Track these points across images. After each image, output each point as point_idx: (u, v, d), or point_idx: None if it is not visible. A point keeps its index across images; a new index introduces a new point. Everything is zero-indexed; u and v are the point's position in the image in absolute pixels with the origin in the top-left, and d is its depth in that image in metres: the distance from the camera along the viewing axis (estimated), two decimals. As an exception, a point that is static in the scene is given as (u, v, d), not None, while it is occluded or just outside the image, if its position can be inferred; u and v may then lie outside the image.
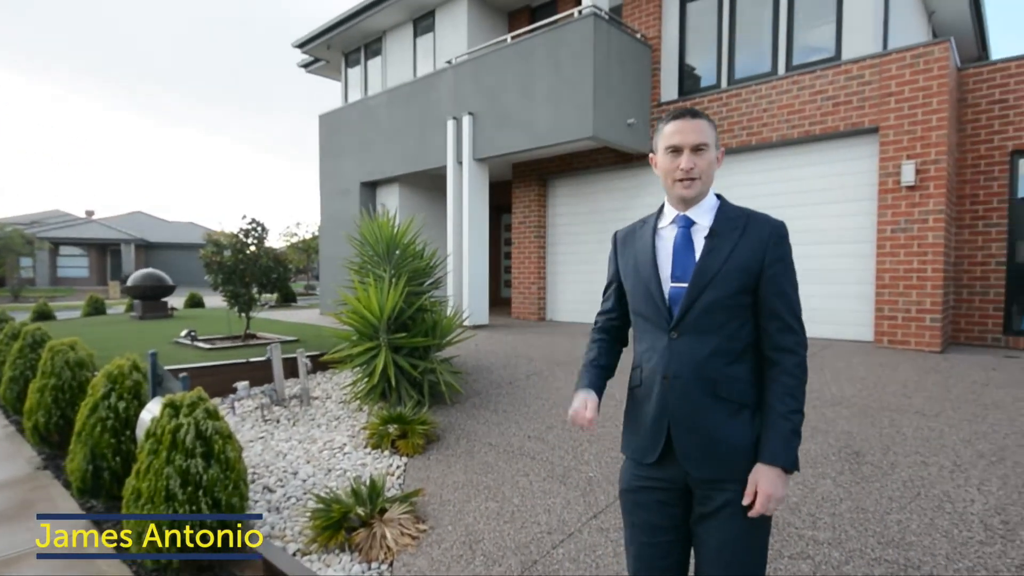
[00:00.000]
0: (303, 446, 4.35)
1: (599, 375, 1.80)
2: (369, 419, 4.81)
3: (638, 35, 8.63)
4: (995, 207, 6.79)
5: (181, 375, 3.43)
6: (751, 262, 1.52)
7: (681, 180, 1.58)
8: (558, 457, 3.90)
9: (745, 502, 1.47)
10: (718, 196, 1.66)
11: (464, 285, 9.12)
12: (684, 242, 1.62)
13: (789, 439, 1.46)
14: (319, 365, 6.45)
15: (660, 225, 1.70)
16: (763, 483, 1.44)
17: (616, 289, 1.84)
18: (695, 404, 1.52)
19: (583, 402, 1.68)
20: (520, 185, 10.46)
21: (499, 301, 13.13)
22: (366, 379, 5.04)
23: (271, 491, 3.58)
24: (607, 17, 7.95)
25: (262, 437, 4.59)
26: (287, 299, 17.95)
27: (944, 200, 6.28)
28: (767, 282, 1.53)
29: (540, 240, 10.29)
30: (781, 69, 7.71)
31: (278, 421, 4.97)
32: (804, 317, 1.58)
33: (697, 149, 1.56)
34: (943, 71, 6.30)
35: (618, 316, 1.87)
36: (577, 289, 9.92)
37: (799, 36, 7.63)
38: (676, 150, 1.58)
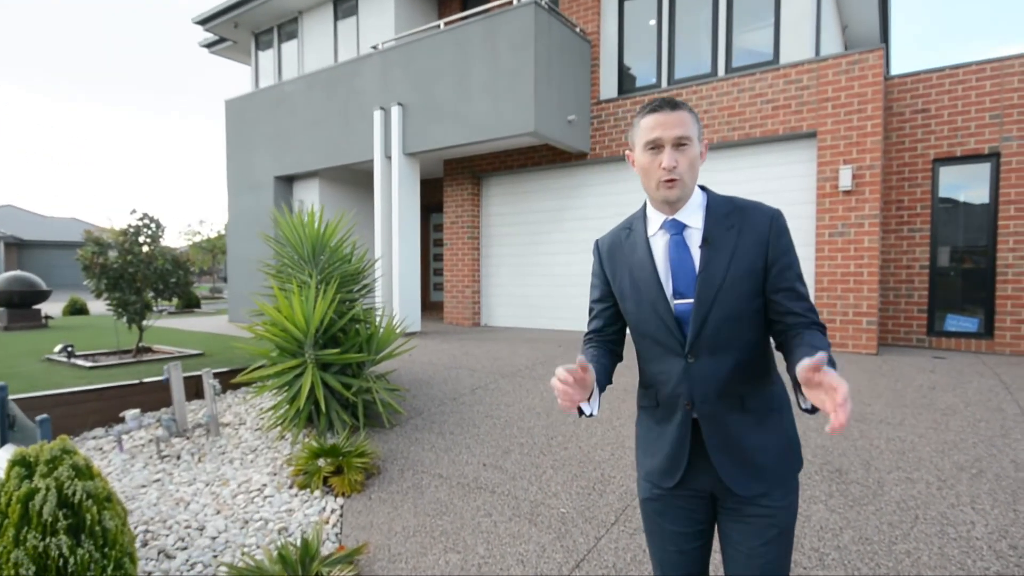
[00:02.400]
0: (211, 490, 3.58)
1: (600, 369, 1.51)
2: (294, 451, 4.11)
3: (577, 29, 8.33)
4: (919, 213, 7.06)
5: (39, 418, 2.61)
6: (755, 262, 1.38)
7: (665, 181, 1.40)
8: (521, 489, 3.42)
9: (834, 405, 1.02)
10: (702, 188, 1.49)
11: (395, 290, 8.44)
12: (679, 252, 1.44)
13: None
14: (230, 384, 5.58)
15: (650, 232, 1.50)
16: (833, 378, 1.02)
17: (610, 307, 1.60)
18: (726, 424, 1.41)
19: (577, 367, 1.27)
20: (452, 183, 9.89)
21: (429, 305, 12.47)
22: (289, 402, 4.32)
23: (169, 557, 2.84)
24: (547, 7, 7.57)
25: (157, 480, 3.76)
26: (190, 305, 16.27)
27: (879, 205, 6.41)
28: (775, 278, 1.39)
29: (474, 241, 9.77)
30: (721, 71, 7.67)
31: (178, 457, 4.13)
32: None
33: (679, 144, 1.39)
34: (877, 78, 6.43)
35: (613, 332, 1.63)
36: (514, 293, 9.50)
37: (738, 38, 7.62)
38: (656, 146, 1.40)
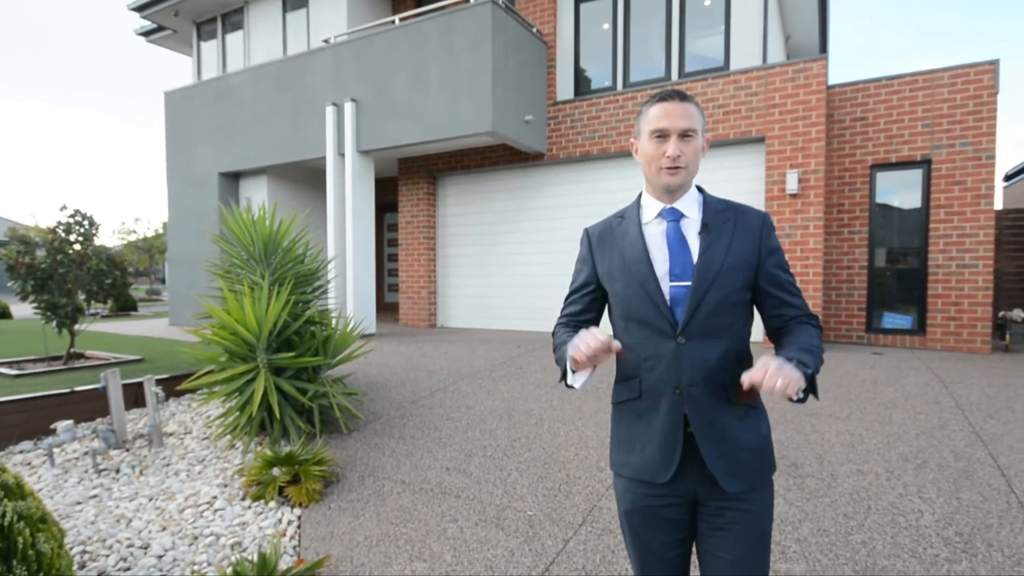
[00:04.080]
0: (156, 505, 3.36)
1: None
2: (246, 460, 3.91)
3: (534, 29, 8.34)
4: (858, 216, 7.42)
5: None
6: (749, 255, 1.44)
7: (668, 168, 1.44)
8: (487, 493, 3.36)
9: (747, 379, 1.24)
10: (699, 188, 1.55)
11: (349, 291, 8.21)
12: (677, 236, 1.48)
13: (805, 351, 1.31)
14: (174, 391, 5.28)
15: (644, 220, 1.54)
16: (789, 368, 1.21)
17: (592, 292, 1.63)
18: (712, 413, 1.41)
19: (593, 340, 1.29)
20: (407, 182, 9.72)
21: (384, 307, 12.22)
22: (240, 409, 4.11)
23: (111, 579, 2.63)
24: (503, 6, 7.54)
25: (95, 496, 3.50)
26: (126, 308, 15.38)
27: (822, 208, 6.70)
28: (766, 274, 1.46)
29: (430, 241, 9.63)
30: (675, 75, 7.84)
31: (118, 471, 3.86)
32: None
33: (685, 135, 1.43)
34: (821, 86, 6.72)
35: (589, 319, 1.65)
36: (471, 294, 9.42)
37: (691, 44, 7.81)
38: (663, 135, 1.44)
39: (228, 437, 4.23)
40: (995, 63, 6.72)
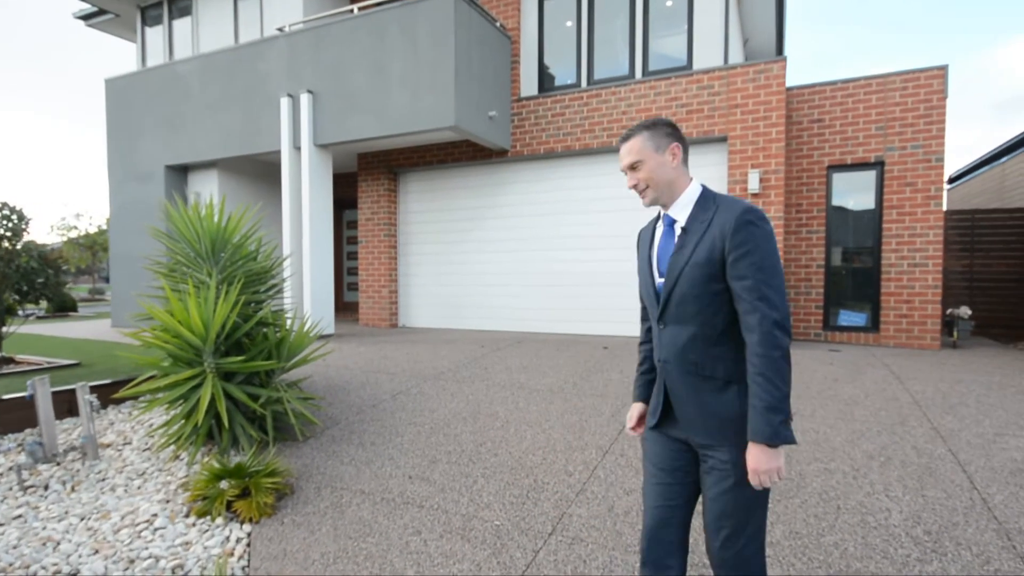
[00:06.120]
0: (88, 525, 3.08)
1: (644, 383, 1.98)
2: (192, 472, 3.64)
3: (498, 24, 8.19)
4: (815, 216, 7.57)
5: None
6: (713, 253, 1.61)
7: (638, 194, 1.79)
8: (452, 503, 3.21)
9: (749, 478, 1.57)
10: (702, 187, 1.76)
11: (306, 290, 7.89)
12: (666, 240, 1.78)
13: (764, 415, 1.50)
14: (112, 399, 4.92)
15: (657, 225, 1.86)
16: (748, 458, 1.55)
17: None
18: (684, 384, 1.71)
19: (631, 417, 1.98)
20: (367, 178, 9.43)
21: (342, 306, 11.88)
22: (186, 417, 3.83)
23: (32, 613, 2.36)
24: (467, -1, 7.37)
25: (19, 516, 3.18)
26: (64, 308, 14.49)
27: (783, 207, 6.79)
28: (730, 268, 1.59)
29: (391, 239, 9.38)
30: (639, 73, 7.82)
31: (46, 488, 3.54)
32: None
33: (632, 167, 1.75)
34: (780, 87, 6.81)
35: None
36: (433, 292, 9.22)
37: (654, 43, 7.81)
38: (626, 172, 1.79)
39: (172, 447, 3.95)
40: (944, 68, 6.95)
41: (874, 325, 7.34)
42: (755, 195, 6.84)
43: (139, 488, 3.54)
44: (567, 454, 3.75)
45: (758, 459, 1.51)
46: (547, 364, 6.01)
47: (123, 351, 4.59)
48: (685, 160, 1.74)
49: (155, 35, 10.52)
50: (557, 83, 8.39)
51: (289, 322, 4.49)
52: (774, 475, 1.50)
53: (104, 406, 4.85)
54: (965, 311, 7.31)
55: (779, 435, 1.48)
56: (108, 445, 4.18)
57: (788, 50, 14.34)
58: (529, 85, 8.46)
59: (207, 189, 9.41)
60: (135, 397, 4.79)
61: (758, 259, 1.56)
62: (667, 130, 1.72)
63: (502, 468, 3.60)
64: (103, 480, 3.64)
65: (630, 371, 5.63)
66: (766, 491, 1.63)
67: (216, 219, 4.22)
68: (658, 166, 1.70)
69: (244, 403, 3.90)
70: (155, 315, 3.64)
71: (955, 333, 7.31)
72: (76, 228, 27.92)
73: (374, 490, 3.39)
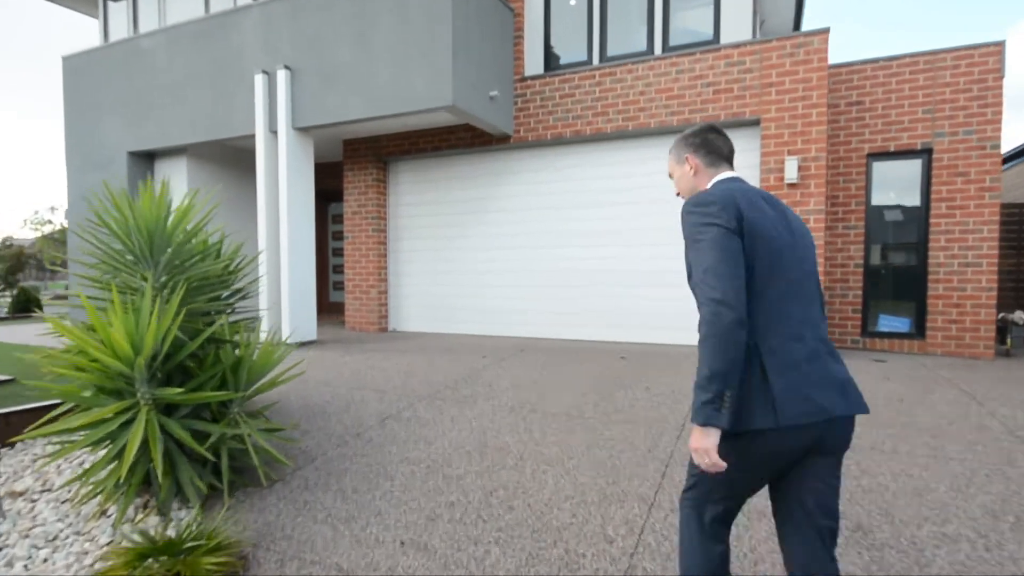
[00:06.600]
0: (-44, 629, 2.23)
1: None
2: (119, 535, 2.80)
3: (499, -6, 7.34)
4: (853, 209, 6.81)
5: None
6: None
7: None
8: (459, 586, 2.39)
9: None
10: (715, 183, 1.77)
11: (283, 292, 7.02)
12: None
13: (694, 393, 1.51)
14: (22, 427, 4.03)
15: None
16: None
17: None
18: None
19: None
20: (354, 167, 8.56)
21: (327, 307, 11.01)
22: (113, 462, 2.99)
23: None
24: (466, -36, 6.51)
25: None
26: (29, 308, 13.48)
27: (824, 200, 6.02)
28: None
29: (380, 234, 8.51)
30: (658, 49, 7.01)
31: (-82, 564, 2.68)
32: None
33: (671, 176, 1.95)
34: (823, 63, 6.02)
35: None
36: (427, 293, 8.38)
37: (676, 15, 6.99)
38: None
39: (98, 499, 3.10)
40: (1001, 44, 6.19)
41: (919, 331, 6.59)
42: (792, 186, 6.06)
43: (45, 561, 2.69)
44: (602, 507, 2.95)
45: (692, 438, 1.53)
46: (559, 379, 5.20)
47: (33, 381, 3.68)
48: (708, 164, 1.80)
49: (118, 10, 9.56)
50: (565, 61, 7.56)
51: (253, 335, 3.64)
52: (703, 456, 1.48)
53: (13, 442, 3.96)
54: (1020, 316, 6.59)
55: (699, 414, 1.48)
56: (21, 494, 3.32)
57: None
58: (534, 63, 7.62)
59: (176, 178, 8.50)
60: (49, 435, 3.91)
61: (689, 243, 1.63)
62: (686, 141, 1.85)
63: (520, 529, 2.79)
64: (1, 548, 2.79)
65: (657, 387, 4.84)
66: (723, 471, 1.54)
67: (156, 208, 3.35)
68: (681, 177, 1.89)
69: (189, 446, 3.05)
70: (66, 334, 2.79)
71: (1008, 340, 6.58)
72: (51, 223, 26.82)
73: (355, 565, 2.57)
